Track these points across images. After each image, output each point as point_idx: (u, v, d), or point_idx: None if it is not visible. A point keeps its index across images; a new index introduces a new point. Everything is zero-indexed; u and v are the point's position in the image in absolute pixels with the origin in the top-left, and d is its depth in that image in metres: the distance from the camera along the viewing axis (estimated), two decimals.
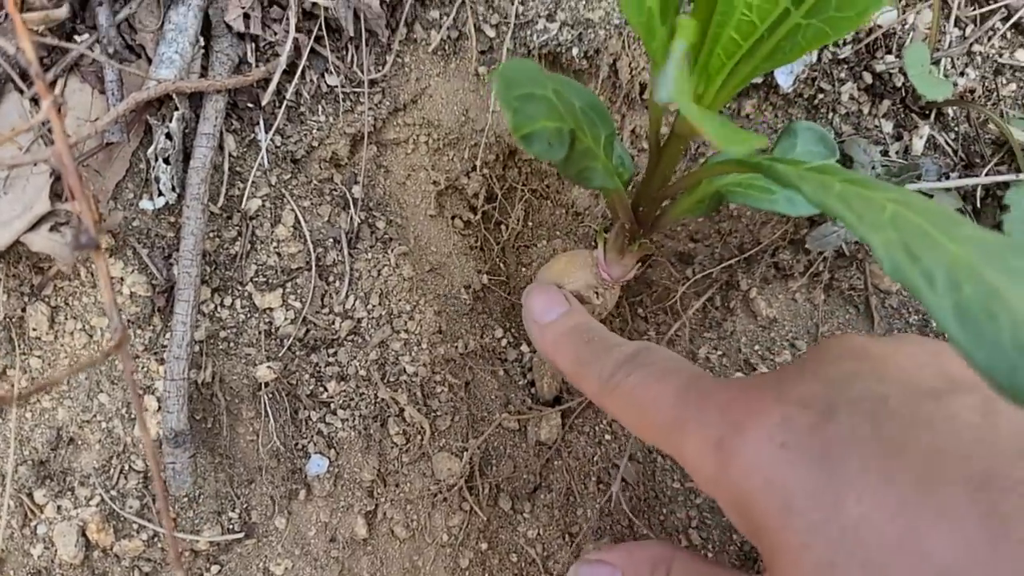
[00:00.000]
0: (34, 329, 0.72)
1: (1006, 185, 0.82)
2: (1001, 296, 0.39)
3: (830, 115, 0.82)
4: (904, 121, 0.83)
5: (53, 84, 0.71)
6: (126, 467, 0.72)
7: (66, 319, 0.73)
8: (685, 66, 0.35)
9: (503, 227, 0.93)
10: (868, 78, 0.82)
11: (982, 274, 0.40)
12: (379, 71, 0.81)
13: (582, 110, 0.63)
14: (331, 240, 0.80)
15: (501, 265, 0.92)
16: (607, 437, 0.86)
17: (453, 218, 0.89)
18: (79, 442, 0.74)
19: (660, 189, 0.66)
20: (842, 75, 0.82)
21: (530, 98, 0.58)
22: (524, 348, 0.89)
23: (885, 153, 0.81)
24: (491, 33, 0.83)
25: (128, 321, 0.72)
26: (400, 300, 0.81)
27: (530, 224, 0.94)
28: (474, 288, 0.88)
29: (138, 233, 0.73)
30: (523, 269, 0.93)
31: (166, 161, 0.71)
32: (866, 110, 0.82)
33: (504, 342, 0.88)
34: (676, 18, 0.61)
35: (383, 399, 0.78)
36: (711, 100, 0.63)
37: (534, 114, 0.58)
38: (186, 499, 0.73)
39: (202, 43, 0.75)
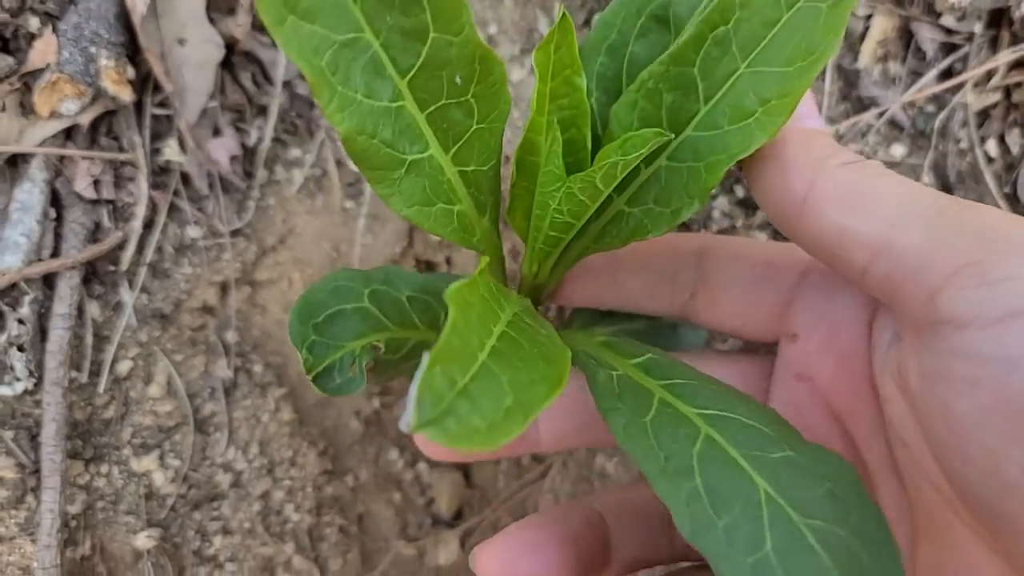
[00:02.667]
0: None
1: None
2: (803, 539, 0.40)
3: (702, 230, 0.81)
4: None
5: None
6: None
7: None
8: (428, 393, 0.34)
9: None
10: (740, 192, 0.81)
11: (788, 515, 0.40)
12: (241, 218, 0.80)
13: (410, 299, 0.63)
14: (208, 391, 0.80)
15: (394, 384, 0.92)
16: None
17: None
18: None
19: None
20: (714, 190, 0.80)
21: (336, 318, 0.58)
22: (422, 466, 0.89)
23: None
24: (355, 167, 0.82)
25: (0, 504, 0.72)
26: (281, 447, 0.81)
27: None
28: (365, 414, 0.88)
29: (2, 417, 0.72)
30: None
31: (20, 348, 0.70)
32: (739, 223, 0.81)
33: (401, 464, 0.88)
34: (499, 207, 0.61)
35: (268, 552, 0.79)
36: (545, 278, 0.63)
37: (340, 336, 0.57)
38: None
39: (53, 215, 0.74)
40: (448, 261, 0.86)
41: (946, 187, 0.83)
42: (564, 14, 0.49)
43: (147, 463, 0.77)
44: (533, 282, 0.64)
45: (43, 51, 0.71)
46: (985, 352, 0.34)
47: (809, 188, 0.44)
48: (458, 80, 0.50)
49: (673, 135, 0.52)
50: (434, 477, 0.89)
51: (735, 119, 0.50)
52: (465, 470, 0.90)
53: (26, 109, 0.73)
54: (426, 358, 0.34)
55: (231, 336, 0.81)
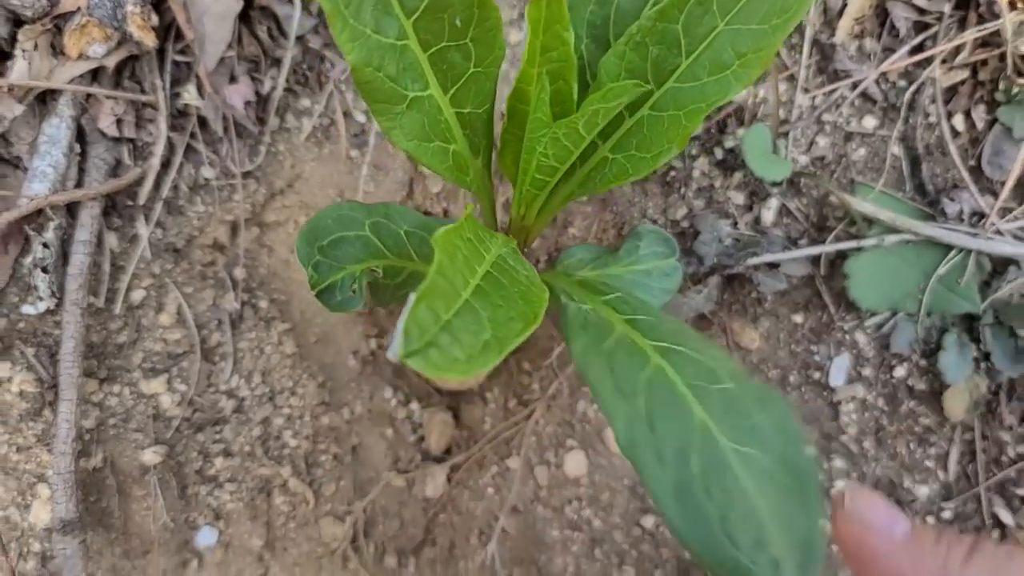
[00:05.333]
0: None
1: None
2: (727, 462, 0.44)
3: (683, 190, 0.86)
4: (756, 191, 0.87)
5: None
6: (25, 550, 0.79)
7: None
8: (414, 327, 0.39)
9: None
10: (719, 153, 0.86)
11: (716, 440, 0.44)
12: (253, 161, 0.85)
13: (407, 233, 0.68)
14: (215, 322, 0.86)
15: (390, 328, 0.97)
16: (490, 491, 0.92)
17: None
18: None
19: None
20: (694, 151, 0.86)
21: (339, 244, 0.63)
22: (414, 406, 0.95)
23: (735, 225, 0.86)
24: (361, 119, 0.87)
25: (19, 416, 0.78)
26: (282, 377, 0.86)
27: None
28: (362, 354, 0.93)
29: (24, 335, 0.78)
30: None
31: (43, 270, 0.76)
32: (718, 184, 0.86)
33: (394, 402, 0.94)
34: (491, 151, 0.66)
35: (267, 473, 0.84)
36: (532, 220, 0.68)
37: (341, 259, 0.63)
38: (84, 573, 0.80)
39: (78, 149, 0.80)
40: (445, 213, 0.92)
41: (914, 158, 0.89)
42: None
43: (156, 386, 0.83)
44: (521, 223, 0.70)
45: None
46: None
47: None
48: (458, 22, 0.55)
49: (653, 85, 0.58)
50: (425, 416, 0.94)
51: (713, 71, 0.55)
52: (455, 411, 0.95)
53: (56, 50, 0.79)
54: (412, 298, 0.39)
55: (239, 272, 0.87)
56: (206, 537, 0.83)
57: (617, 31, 0.62)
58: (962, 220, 0.86)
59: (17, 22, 0.77)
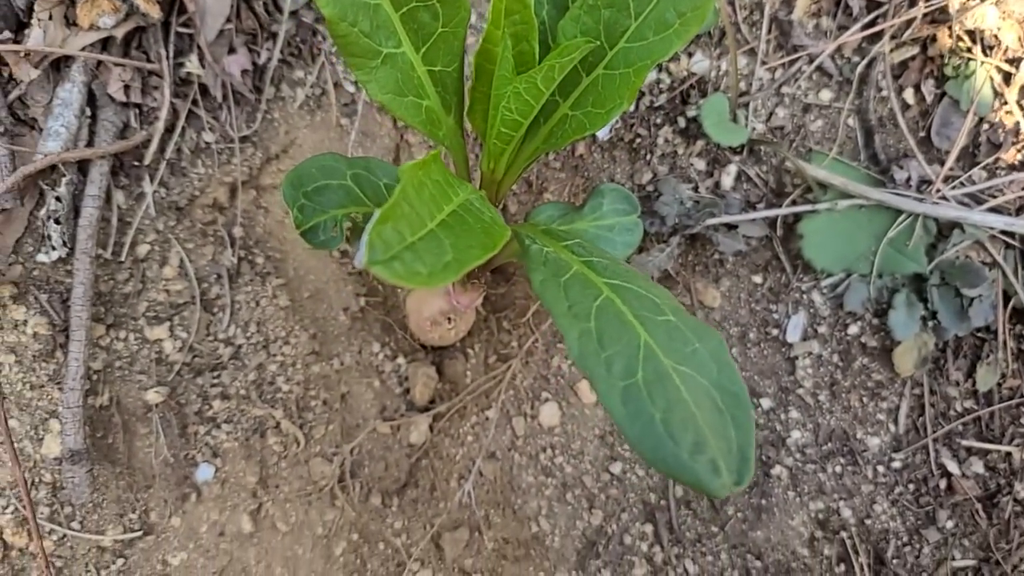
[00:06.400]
0: None
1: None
2: (669, 376, 0.51)
3: (648, 156, 0.93)
4: (718, 158, 0.93)
5: None
6: (36, 480, 0.86)
7: None
8: (379, 241, 0.45)
9: None
10: (682, 123, 0.92)
11: (659, 358, 0.51)
12: (250, 127, 0.92)
13: (387, 186, 0.75)
14: (214, 276, 0.92)
15: (379, 287, 1.04)
16: (469, 439, 0.99)
17: None
18: None
19: None
20: (658, 120, 0.92)
21: (323, 190, 0.70)
22: (400, 360, 1.01)
23: (696, 189, 0.92)
24: (351, 88, 0.94)
25: (33, 356, 0.85)
26: (276, 328, 0.93)
27: None
28: (352, 310, 1.00)
29: (38, 282, 0.85)
30: (399, 291, 1.04)
31: (56, 221, 0.83)
32: (681, 151, 0.93)
33: (381, 356, 1.00)
34: (463, 107, 0.72)
35: (260, 415, 0.91)
36: (501, 175, 0.74)
37: (325, 204, 0.70)
38: (90, 504, 0.87)
39: (89, 113, 0.87)
40: None
41: (868, 129, 0.95)
42: None
43: (159, 332, 0.89)
44: (491, 177, 0.76)
45: None
46: None
47: None
48: None
49: (600, 42, 0.64)
50: (410, 370, 1.01)
51: (659, 31, 0.62)
52: (438, 366, 1.02)
53: (70, 20, 0.85)
54: (377, 213, 0.46)
55: (237, 231, 0.94)
56: (204, 473, 0.90)
57: None
58: (910, 187, 0.92)
59: None
